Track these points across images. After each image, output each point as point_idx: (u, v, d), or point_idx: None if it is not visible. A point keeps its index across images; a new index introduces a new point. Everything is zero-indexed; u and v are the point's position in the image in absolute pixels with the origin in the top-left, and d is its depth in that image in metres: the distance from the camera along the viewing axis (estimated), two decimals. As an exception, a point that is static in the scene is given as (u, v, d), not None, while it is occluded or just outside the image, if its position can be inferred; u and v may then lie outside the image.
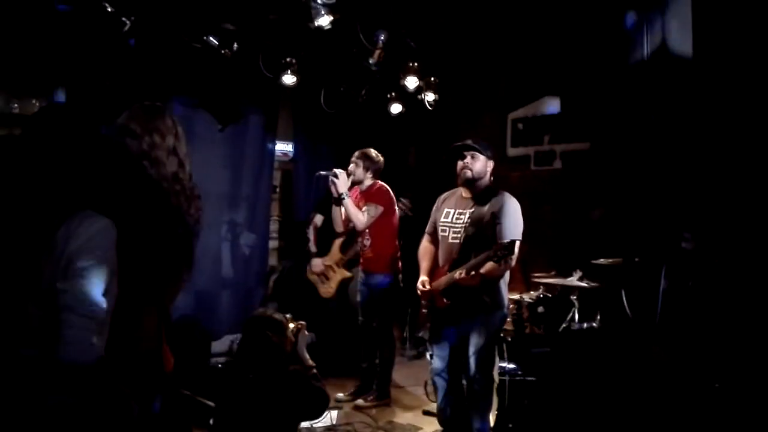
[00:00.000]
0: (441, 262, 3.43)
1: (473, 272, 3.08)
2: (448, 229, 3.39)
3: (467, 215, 3.31)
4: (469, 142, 3.34)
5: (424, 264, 3.55)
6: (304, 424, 3.01)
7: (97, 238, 1.50)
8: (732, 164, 3.52)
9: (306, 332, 2.76)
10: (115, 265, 1.54)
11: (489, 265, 3.04)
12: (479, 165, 3.32)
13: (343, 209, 4.22)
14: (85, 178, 1.58)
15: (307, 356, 2.73)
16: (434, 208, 3.59)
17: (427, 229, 3.62)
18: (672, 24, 3.91)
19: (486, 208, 3.26)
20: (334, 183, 4.04)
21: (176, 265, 1.93)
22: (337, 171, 4.08)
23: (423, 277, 3.49)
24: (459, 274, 3.15)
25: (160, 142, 1.86)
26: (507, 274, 3.34)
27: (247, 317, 2.77)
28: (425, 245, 3.62)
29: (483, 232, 3.21)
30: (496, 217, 3.20)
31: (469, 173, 3.31)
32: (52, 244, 1.47)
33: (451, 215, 3.40)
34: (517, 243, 3.19)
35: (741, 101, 3.51)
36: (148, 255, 1.68)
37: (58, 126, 1.61)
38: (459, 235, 3.30)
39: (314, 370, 2.70)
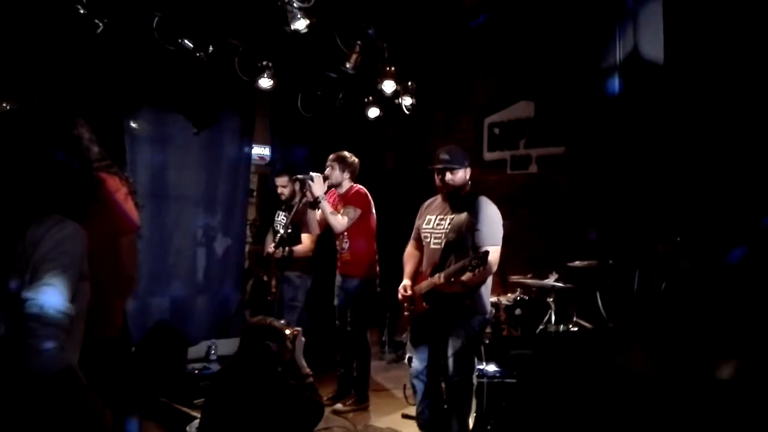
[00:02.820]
0: (424, 267, 3.46)
1: (452, 279, 3.12)
2: (429, 235, 3.42)
3: (447, 221, 3.34)
4: (446, 157, 3.33)
5: (408, 268, 3.58)
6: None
7: (63, 245, 1.48)
8: (703, 167, 3.60)
9: (302, 338, 2.75)
10: (85, 268, 1.52)
11: (466, 274, 3.06)
12: (459, 177, 3.34)
13: (320, 212, 4.21)
14: (49, 183, 1.56)
15: (304, 363, 2.72)
16: (418, 215, 3.62)
17: (413, 234, 3.66)
18: (644, 30, 3.99)
19: (465, 214, 3.29)
20: (310, 187, 4.03)
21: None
22: (313, 174, 4.06)
23: (405, 281, 3.51)
24: (438, 279, 3.18)
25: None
26: (489, 280, 3.36)
27: (220, 322, 2.75)
28: (410, 250, 3.65)
29: (463, 238, 3.25)
30: (474, 224, 3.24)
31: (450, 187, 3.34)
32: (19, 250, 1.44)
33: (433, 221, 3.44)
34: (497, 248, 3.23)
35: (711, 105, 3.59)
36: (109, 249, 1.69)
37: (24, 129, 1.58)
38: (440, 241, 3.34)
39: (310, 379, 2.69)
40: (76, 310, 1.49)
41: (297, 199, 4.60)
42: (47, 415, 1.47)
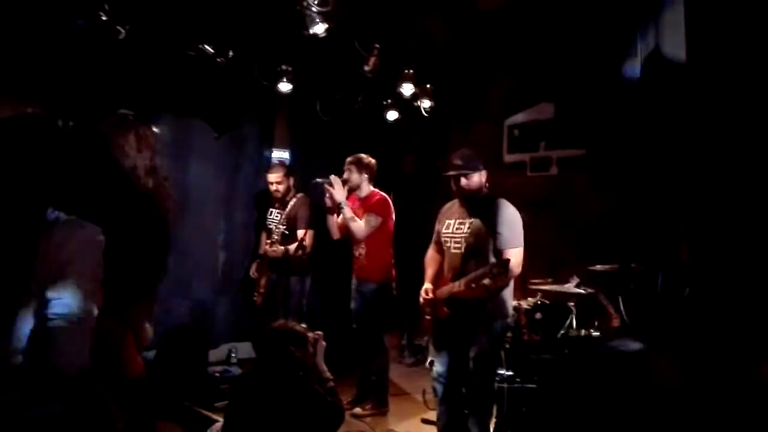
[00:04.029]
0: (445, 271, 3.44)
1: (473, 285, 3.10)
2: (449, 239, 3.40)
3: (467, 225, 3.32)
4: (459, 162, 3.30)
5: (429, 272, 3.56)
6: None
7: (87, 246, 1.52)
8: (728, 169, 3.53)
9: (323, 342, 2.75)
10: (101, 272, 1.54)
11: (487, 280, 3.04)
12: (475, 181, 3.32)
13: (340, 217, 4.20)
14: (72, 184, 1.58)
15: (325, 368, 2.71)
16: (437, 220, 3.60)
17: (434, 238, 3.64)
18: (665, 29, 3.93)
19: (484, 217, 3.27)
20: (330, 193, 4.01)
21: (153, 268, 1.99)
22: (333, 177, 4.06)
23: (427, 285, 3.49)
24: (458, 286, 3.17)
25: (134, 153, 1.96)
26: (511, 283, 3.34)
27: (240, 325, 2.75)
28: (431, 254, 3.63)
29: (483, 242, 3.23)
30: (494, 227, 3.22)
31: (466, 192, 3.32)
32: (42, 251, 1.46)
33: (452, 226, 3.42)
34: (520, 250, 3.21)
35: (736, 105, 3.52)
36: (131, 262, 1.70)
37: (47, 132, 1.60)
38: (460, 246, 3.32)
39: (331, 383, 2.69)
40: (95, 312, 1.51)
41: (291, 195, 4.61)
42: (68, 418, 1.49)
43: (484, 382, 3.31)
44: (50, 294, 1.45)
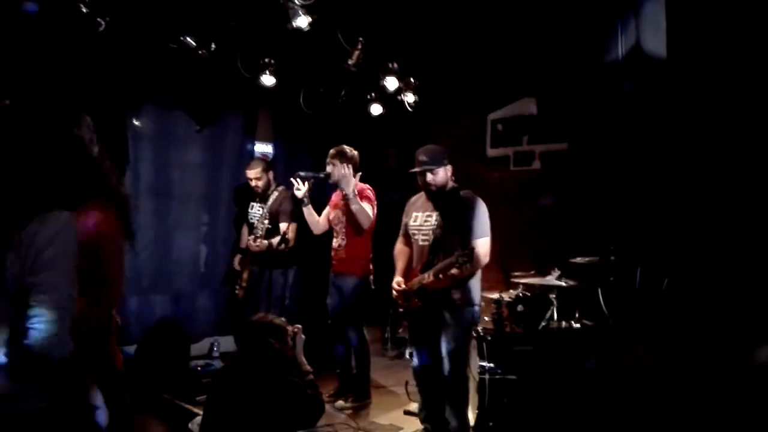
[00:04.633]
0: (414, 263, 3.50)
1: (441, 275, 3.17)
2: (417, 232, 3.47)
3: (434, 218, 3.39)
4: (425, 158, 3.36)
5: (399, 264, 3.63)
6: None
7: (62, 231, 1.50)
8: (707, 162, 3.58)
9: (303, 336, 2.76)
10: (76, 257, 1.54)
11: (455, 270, 3.10)
12: (441, 177, 3.38)
13: (341, 209, 4.21)
14: (52, 177, 1.57)
15: (304, 360, 2.74)
16: (404, 212, 3.67)
17: (401, 231, 3.70)
18: (646, 24, 3.98)
19: (451, 209, 3.35)
20: (345, 183, 3.93)
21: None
22: (330, 172, 4.07)
23: (397, 278, 3.56)
24: (427, 277, 3.23)
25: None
26: (479, 272, 3.40)
27: (222, 319, 2.75)
28: (399, 247, 3.69)
29: (450, 234, 3.30)
30: (461, 219, 3.30)
31: (433, 188, 3.39)
32: (18, 240, 1.45)
33: (420, 219, 3.49)
34: (486, 239, 3.29)
35: (715, 100, 3.57)
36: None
37: (25, 124, 1.59)
38: (428, 238, 3.39)
39: (311, 376, 2.70)
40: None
41: (272, 189, 4.59)
42: (58, 413, 1.49)
43: (456, 371, 3.35)
44: (30, 280, 1.44)
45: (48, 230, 1.48)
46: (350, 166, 4.15)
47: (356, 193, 4.04)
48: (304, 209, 4.22)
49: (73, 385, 1.54)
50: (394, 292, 3.51)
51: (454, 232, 3.29)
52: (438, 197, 3.42)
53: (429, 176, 3.36)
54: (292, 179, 4.16)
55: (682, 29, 3.74)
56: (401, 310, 3.56)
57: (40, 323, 1.42)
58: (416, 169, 3.38)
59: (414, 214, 3.54)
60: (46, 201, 1.52)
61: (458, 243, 3.21)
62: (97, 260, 1.84)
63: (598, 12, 4.43)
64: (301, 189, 4.10)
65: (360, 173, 4.16)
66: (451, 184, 3.46)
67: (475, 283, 3.39)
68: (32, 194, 1.52)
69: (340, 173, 3.99)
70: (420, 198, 3.59)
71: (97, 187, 1.82)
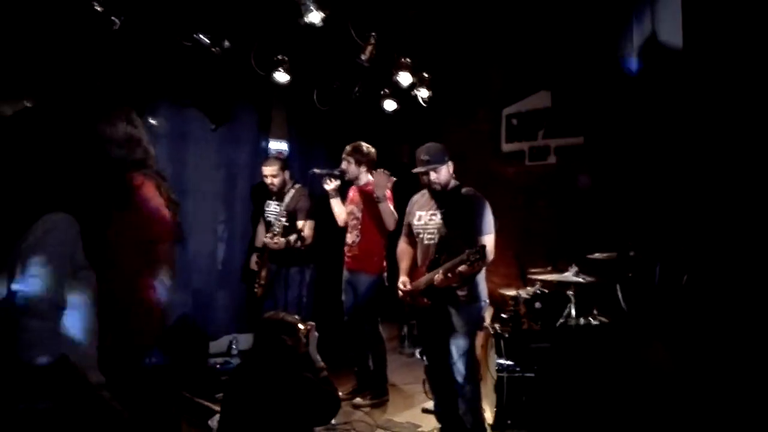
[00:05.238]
0: (419, 262, 3.50)
1: (450, 274, 3.17)
2: (422, 231, 3.46)
3: (439, 216, 3.38)
4: (426, 157, 3.34)
5: (403, 264, 3.62)
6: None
7: (49, 235, 1.46)
8: (726, 157, 3.52)
9: (316, 333, 2.76)
10: (80, 257, 1.51)
11: (464, 267, 3.10)
12: (443, 175, 3.37)
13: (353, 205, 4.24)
14: (61, 180, 1.56)
15: (318, 357, 2.74)
16: (407, 211, 3.65)
17: (403, 231, 3.70)
18: (662, 15, 3.91)
19: (455, 207, 3.34)
20: (376, 188, 3.95)
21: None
22: (344, 169, 4.14)
23: (403, 278, 3.55)
24: (437, 277, 3.22)
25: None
26: (483, 269, 3.39)
27: (241, 317, 2.76)
28: (402, 246, 3.69)
29: (455, 232, 3.30)
30: (465, 216, 3.29)
31: (438, 186, 3.38)
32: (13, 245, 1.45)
33: (424, 218, 3.47)
34: (491, 236, 3.28)
35: (733, 92, 3.50)
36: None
37: (42, 127, 1.59)
38: (433, 236, 3.38)
39: (325, 372, 2.71)
40: (78, 300, 1.49)
41: (288, 187, 4.59)
42: (60, 413, 1.48)
43: (466, 367, 3.34)
44: (14, 287, 1.43)
45: (35, 234, 1.45)
46: (364, 165, 4.17)
47: (387, 196, 4.03)
48: (332, 200, 4.23)
49: (73, 386, 1.53)
50: (399, 293, 3.52)
51: (459, 230, 3.29)
52: (441, 195, 3.41)
53: (433, 175, 3.35)
54: (310, 173, 4.22)
55: (698, 18, 3.67)
56: (407, 309, 3.56)
57: (21, 333, 1.41)
58: (420, 169, 3.37)
59: (418, 213, 3.52)
60: (47, 201, 1.51)
61: (464, 241, 3.20)
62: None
63: (613, 2, 4.36)
64: (330, 184, 4.21)
65: (395, 179, 4.13)
66: (453, 182, 3.44)
67: (481, 279, 3.39)
68: (36, 195, 1.51)
69: (377, 181, 3.96)
70: (422, 196, 3.58)
71: (110, 188, 1.80)
